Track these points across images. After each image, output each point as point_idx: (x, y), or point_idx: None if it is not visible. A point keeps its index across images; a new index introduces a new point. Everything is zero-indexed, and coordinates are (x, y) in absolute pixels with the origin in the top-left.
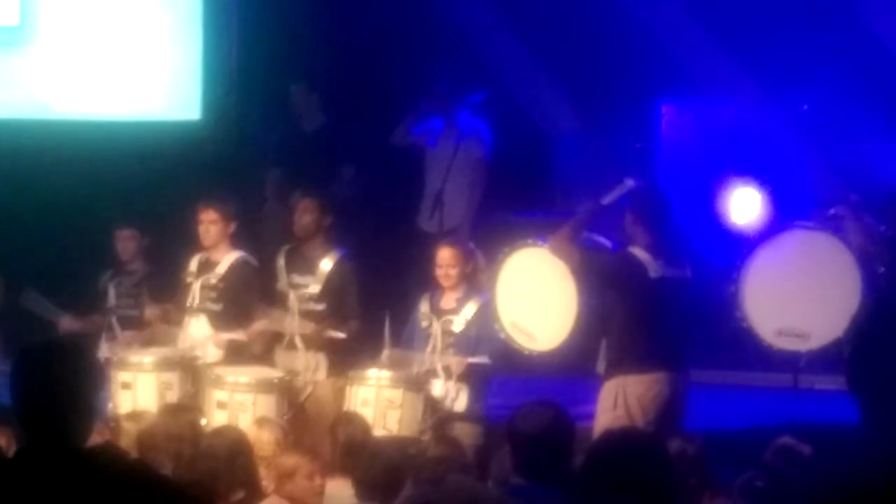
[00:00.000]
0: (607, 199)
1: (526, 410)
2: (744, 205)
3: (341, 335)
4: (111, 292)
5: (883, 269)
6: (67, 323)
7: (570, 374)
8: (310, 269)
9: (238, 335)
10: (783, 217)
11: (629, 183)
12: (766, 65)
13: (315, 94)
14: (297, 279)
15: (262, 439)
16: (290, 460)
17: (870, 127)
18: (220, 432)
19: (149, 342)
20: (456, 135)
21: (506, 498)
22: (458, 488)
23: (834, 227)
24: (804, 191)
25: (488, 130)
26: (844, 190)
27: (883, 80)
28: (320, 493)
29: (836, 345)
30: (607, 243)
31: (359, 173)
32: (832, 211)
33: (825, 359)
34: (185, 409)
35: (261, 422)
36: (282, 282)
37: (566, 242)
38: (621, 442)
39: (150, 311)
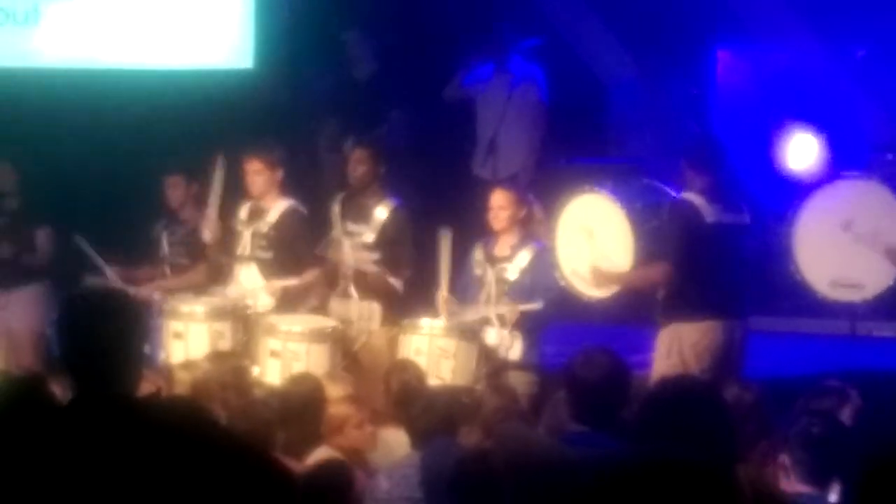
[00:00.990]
0: None
1: (583, 358)
2: (801, 151)
3: (398, 284)
4: (164, 241)
5: None
6: (113, 277)
7: (626, 322)
8: (364, 217)
9: (291, 282)
10: (839, 163)
11: None
12: (822, 9)
13: (369, 42)
14: (352, 227)
15: (332, 395)
16: (340, 411)
17: None
18: (298, 380)
19: (197, 287)
20: (509, 80)
21: (560, 445)
22: (513, 437)
23: (884, 174)
24: (861, 136)
25: (543, 76)
26: None
27: None
28: (372, 440)
29: (892, 293)
30: (669, 190)
31: (408, 119)
32: (890, 156)
33: (883, 306)
34: (229, 356)
35: (330, 376)
36: (336, 230)
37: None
38: (677, 390)
39: (203, 267)
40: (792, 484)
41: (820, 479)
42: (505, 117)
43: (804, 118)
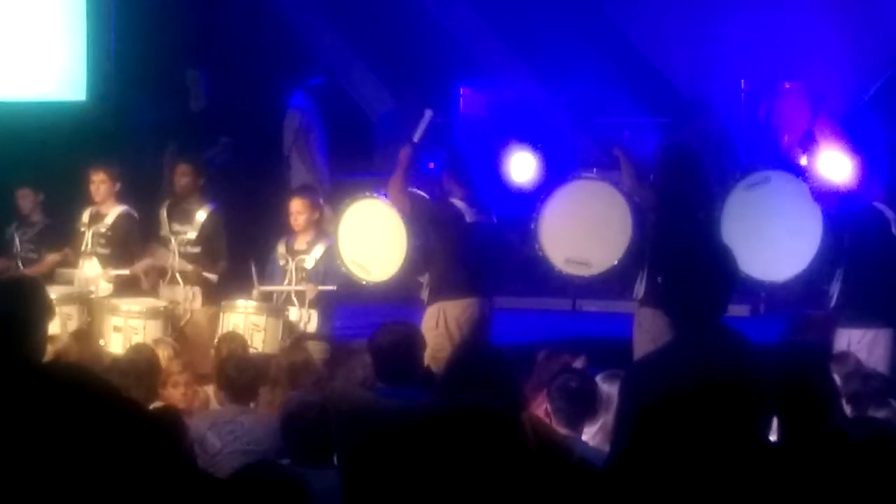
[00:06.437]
0: (417, 136)
1: (383, 327)
2: (522, 166)
3: (213, 277)
4: (16, 240)
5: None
6: None
7: (399, 301)
8: (188, 219)
9: (123, 271)
10: (552, 176)
11: (428, 114)
12: (538, 55)
13: (204, 80)
14: (177, 227)
15: (161, 355)
16: (163, 367)
17: (618, 104)
18: (138, 349)
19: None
20: (300, 111)
21: (376, 397)
22: (341, 393)
23: (611, 178)
24: (569, 154)
25: (318, 108)
26: (599, 154)
27: (628, 66)
28: (191, 400)
29: (613, 271)
30: (427, 196)
31: (234, 142)
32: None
33: (597, 286)
34: (90, 336)
35: (157, 342)
36: (164, 230)
37: (399, 191)
38: (474, 353)
39: (51, 257)
40: (553, 427)
41: (576, 423)
42: (295, 141)
43: (526, 140)
